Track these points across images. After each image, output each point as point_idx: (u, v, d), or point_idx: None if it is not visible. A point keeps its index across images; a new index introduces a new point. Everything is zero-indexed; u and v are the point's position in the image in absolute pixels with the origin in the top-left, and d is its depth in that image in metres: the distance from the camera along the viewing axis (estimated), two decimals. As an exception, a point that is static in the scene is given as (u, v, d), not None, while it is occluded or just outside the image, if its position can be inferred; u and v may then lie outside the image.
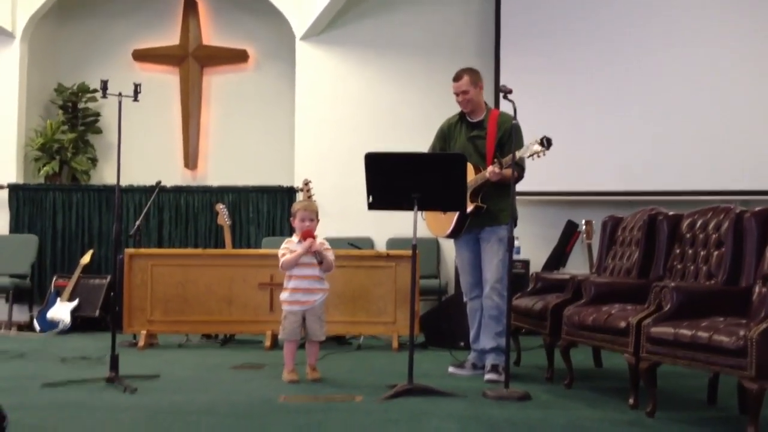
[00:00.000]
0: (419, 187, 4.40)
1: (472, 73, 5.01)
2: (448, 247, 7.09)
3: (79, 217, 8.47)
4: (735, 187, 7.22)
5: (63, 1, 8.85)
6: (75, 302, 7.43)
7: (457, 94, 5.02)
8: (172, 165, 8.93)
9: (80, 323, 7.39)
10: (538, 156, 4.55)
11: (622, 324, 3.97)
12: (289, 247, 4.77)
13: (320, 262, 4.73)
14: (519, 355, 5.50)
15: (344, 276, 6.21)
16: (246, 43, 8.98)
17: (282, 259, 4.76)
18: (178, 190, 8.49)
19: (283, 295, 4.81)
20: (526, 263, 7.41)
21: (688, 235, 4.42)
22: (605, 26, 7.72)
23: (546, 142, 4.49)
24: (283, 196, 8.34)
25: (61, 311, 7.36)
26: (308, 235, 4.72)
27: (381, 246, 8.01)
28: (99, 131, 8.95)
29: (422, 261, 6.58)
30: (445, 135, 5.16)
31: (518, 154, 4.56)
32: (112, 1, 9.10)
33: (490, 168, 4.76)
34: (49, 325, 7.29)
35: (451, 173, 4.43)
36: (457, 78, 5.01)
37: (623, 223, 5.18)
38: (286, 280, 4.81)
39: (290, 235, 5.29)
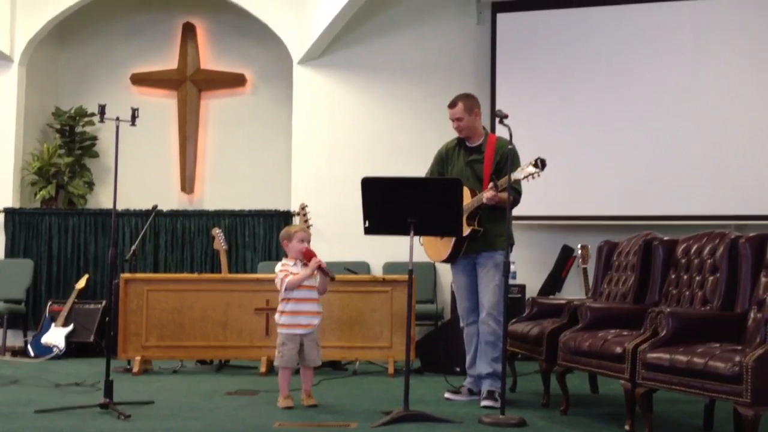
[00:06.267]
0: (416, 212, 4.40)
1: (467, 100, 5.02)
2: (445, 272, 7.07)
3: (75, 241, 8.45)
4: (731, 212, 7.23)
5: (61, 25, 8.90)
6: (70, 327, 7.39)
7: (452, 120, 5.05)
8: (169, 189, 8.94)
9: (75, 348, 7.34)
10: (533, 177, 4.55)
11: (618, 350, 3.96)
12: (288, 270, 4.74)
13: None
14: (515, 380, 5.48)
15: (340, 301, 6.20)
16: (244, 67, 9.02)
17: (287, 280, 4.68)
18: (174, 214, 8.49)
19: (282, 319, 4.75)
20: (522, 288, 7.39)
21: (683, 261, 4.42)
22: (601, 51, 7.77)
23: (540, 163, 4.49)
24: (280, 220, 8.33)
25: (56, 336, 7.32)
26: (312, 254, 4.72)
27: (377, 270, 8.00)
28: (96, 155, 8.96)
29: (418, 286, 6.56)
30: (443, 159, 5.17)
31: (513, 175, 4.57)
32: (110, 26, 9.16)
33: (486, 193, 4.75)
34: (44, 351, 7.24)
35: (448, 198, 4.43)
36: (451, 105, 5.03)
37: (619, 248, 5.17)
38: (284, 303, 4.75)
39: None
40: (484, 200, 4.74)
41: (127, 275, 6.50)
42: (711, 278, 4.11)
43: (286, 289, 4.70)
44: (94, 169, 8.97)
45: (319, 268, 4.71)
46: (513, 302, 6.36)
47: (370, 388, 5.59)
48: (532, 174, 4.53)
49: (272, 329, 5.99)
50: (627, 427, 3.93)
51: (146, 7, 9.17)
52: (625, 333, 4.13)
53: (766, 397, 3.19)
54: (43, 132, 9.02)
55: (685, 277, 4.36)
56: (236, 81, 9.02)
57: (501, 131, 4.85)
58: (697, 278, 4.24)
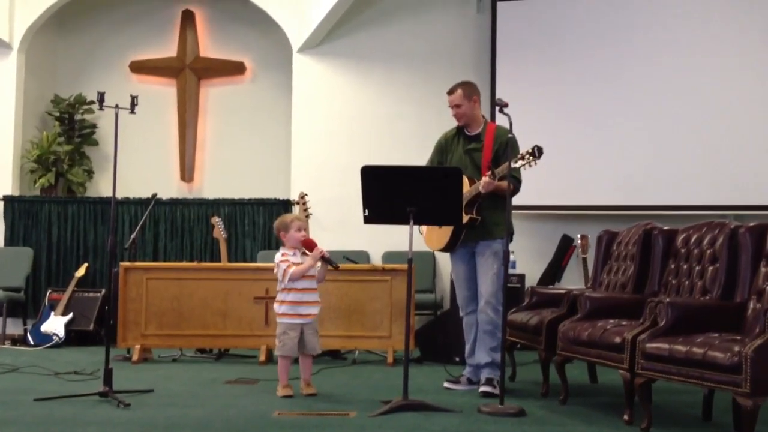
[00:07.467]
0: (415, 201, 4.39)
1: (467, 87, 5.02)
2: (444, 261, 7.08)
3: (75, 229, 8.45)
4: (730, 202, 7.22)
5: (61, 13, 8.87)
6: (69, 316, 7.39)
7: (451, 107, 5.04)
8: (169, 177, 8.93)
9: (74, 337, 7.35)
10: (530, 165, 4.53)
11: (617, 339, 3.96)
12: (289, 259, 4.73)
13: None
14: (514, 370, 5.48)
15: (340, 290, 6.20)
16: (243, 55, 9.00)
17: (290, 270, 4.66)
18: (174, 202, 8.49)
19: (282, 308, 4.74)
20: (521, 277, 7.39)
21: (683, 250, 4.42)
22: (601, 40, 7.74)
23: (537, 152, 4.48)
24: (279, 208, 8.31)
25: (55, 325, 7.32)
26: (312, 243, 4.72)
27: (377, 260, 8.00)
28: (95, 143, 8.95)
29: (418, 275, 6.56)
30: (442, 148, 5.17)
31: (510, 164, 4.56)
32: (109, 13, 9.13)
33: (483, 179, 4.75)
34: (43, 339, 7.24)
35: (447, 187, 4.42)
36: (450, 92, 5.03)
37: (618, 238, 5.17)
38: (284, 293, 4.74)
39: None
40: (481, 189, 4.73)
41: (126, 264, 6.50)
42: (710, 268, 4.11)
43: (290, 280, 4.68)
44: (94, 157, 8.95)
45: (323, 258, 4.71)
46: (512, 292, 6.35)
47: (369, 377, 5.60)
48: (529, 162, 4.51)
49: (272, 318, 5.99)
50: (626, 417, 3.94)
51: (145, -6, 9.15)
52: (625, 323, 4.13)
53: (765, 387, 3.20)
54: (42, 120, 9.00)
55: (685, 266, 4.36)
56: (236, 69, 8.99)
57: (501, 120, 4.83)
58: (697, 268, 4.24)
